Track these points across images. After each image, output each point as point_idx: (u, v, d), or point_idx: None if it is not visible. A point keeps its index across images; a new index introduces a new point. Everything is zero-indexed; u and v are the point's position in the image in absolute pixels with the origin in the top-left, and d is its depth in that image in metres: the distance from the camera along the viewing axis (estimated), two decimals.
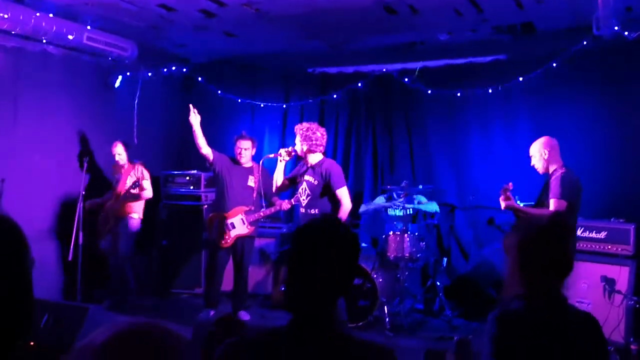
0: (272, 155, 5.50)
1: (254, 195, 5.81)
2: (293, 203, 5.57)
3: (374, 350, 1.64)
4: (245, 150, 5.93)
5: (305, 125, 5.26)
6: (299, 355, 1.57)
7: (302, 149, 5.17)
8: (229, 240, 5.76)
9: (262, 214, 5.79)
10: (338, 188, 5.06)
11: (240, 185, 5.87)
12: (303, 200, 5.15)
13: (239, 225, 5.75)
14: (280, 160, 5.35)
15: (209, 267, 6.03)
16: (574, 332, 1.96)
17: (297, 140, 5.22)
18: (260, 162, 5.77)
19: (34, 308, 1.23)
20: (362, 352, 1.62)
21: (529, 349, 1.92)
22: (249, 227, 5.76)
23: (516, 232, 2.16)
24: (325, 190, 5.10)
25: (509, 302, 2.04)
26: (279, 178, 5.36)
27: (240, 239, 5.78)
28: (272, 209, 5.75)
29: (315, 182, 5.13)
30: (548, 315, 1.97)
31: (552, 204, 4.60)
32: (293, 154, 5.30)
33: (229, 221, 5.75)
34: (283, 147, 7.83)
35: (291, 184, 5.46)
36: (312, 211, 5.10)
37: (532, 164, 5.00)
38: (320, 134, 5.17)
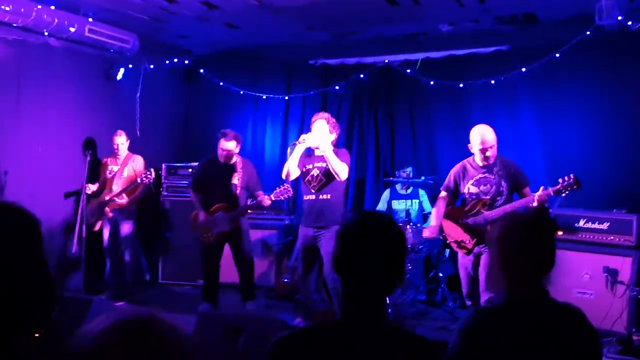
0: (297, 142, 5.21)
1: (238, 191, 5.76)
2: (273, 199, 5.57)
3: (425, 346, 1.64)
4: (227, 151, 5.73)
5: (328, 115, 5.26)
6: (350, 349, 1.58)
7: (330, 138, 5.12)
8: (211, 238, 5.75)
9: (241, 209, 5.74)
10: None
11: (223, 183, 5.78)
12: (314, 186, 5.13)
13: (219, 221, 5.73)
14: (300, 144, 5.15)
15: (203, 264, 6.05)
16: (557, 328, 1.85)
17: (325, 127, 5.12)
18: (289, 148, 5.37)
19: (54, 293, 1.24)
20: (412, 346, 1.63)
21: (506, 347, 1.81)
22: (230, 223, 5.71)
23: (497, 224, 2.04)
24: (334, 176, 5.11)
25: (494, 297, 2.00)
26: (293, 164, 5.18)
27: (232, 234, 5.75)
28: (253, 203, 5.77)
29: (328, 167, 5.12)
30: (528, 312, 1.87)
31: (530, 192, 4.71)
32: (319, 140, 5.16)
33: (210, 218, 5.75)
34: (285, 138, 7.87)
35: (302, 174, 5.37)
36: (324, 196, 5.09)
37: (491, 154, 4.76)
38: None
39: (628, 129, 6.08)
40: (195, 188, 5.92)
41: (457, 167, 5.01)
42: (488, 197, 4.77)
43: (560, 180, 4.48)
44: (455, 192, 5.03)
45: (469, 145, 4.87)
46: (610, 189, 5.91)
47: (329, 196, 5.09)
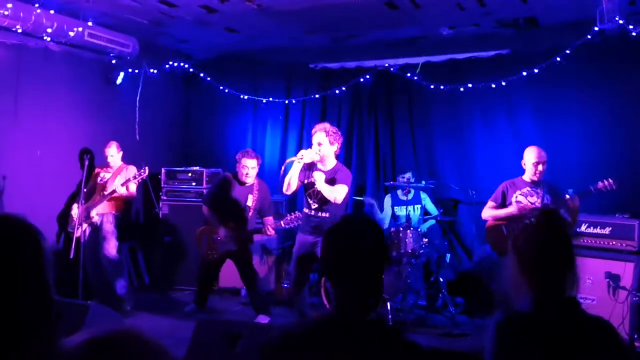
0: (294, 159, 5.15)
1: (250, 213, 5.78)
2: (283, 225, 5.56)
3: (414, 348, 1.68)
4: (252, 169, 5.76)
5: (328, 125, 5.11)
6: (342, 347, 1.62)
7: (331, 151, 5.04)
8: (215, 255, 5.77)
9: (250, 232, 5.76)
10: (340, 183, 4.95)
11: (238, 203, 5.78)
12: (314, 202, 5.06)
13: (227, 241, 5.72)
14: (298, 162, 5.08)
15: (200, 276, 6.04)
16: (587, 340, 1.84)
17: (326, 141, 5.02)
18: (284, 166, 5.33)
19: (52, 308, 1.18)
20: (403, 347, 1.66)
21: (534, 354, 1.82)
22: (236, 243, 5.70)
23: (515, 232, 2.09)
24: None
25: (515, 303, 1.97)
26: (293, 179, 5.10)
27: (236, 252, 5.75)
28: (257, 228, 5.79)
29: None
30: (555, 321, 1.86)
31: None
32: (317, 155, 5.09)
33: (218, 236, 5.73)
34: (285, 142, 7.86)
35: (304, 187, 5.27)
36: (322, 214, 5.03)
37: (543, 170, 5.23)
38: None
39: (630, 133, 6.06)
40: (210, 204, 5.87)
41: (504, 183, 5.41)
42: (534, 206, 5.14)
43: (599, 182, 5.06)
44: (500, 205, 5.34)
45: (522, 162, 5.30)
46: (612, 193, 5.86)
47: (327, 214, 5.01)
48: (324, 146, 5.03)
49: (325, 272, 1.79)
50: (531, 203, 5.14)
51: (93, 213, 5.94)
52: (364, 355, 1.62)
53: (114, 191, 5.90)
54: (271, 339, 1.69)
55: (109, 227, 5.97)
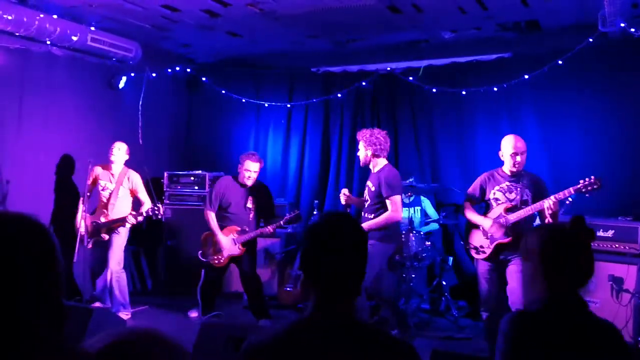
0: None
1: (252, 216, 5.78)
2: (282, 224, 5.64)
3: (395, 344, 1.67)
4: (254, 172, 5.73)
5: (366, 131, 5.12)
6: (326, 347, 1.59)
7: (367, 154, 5.05)
8: (221, 260, 5.75)
9: (252, 235, 5.74)
10: (388, 196, 4.89)
11: (239, 206, 5.78)
12: (367, 213, 5.06)
13: (230, 245, 5.71)
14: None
15: (204, 283, 5.98)
16: (594, 340, 1.90)
17: (361, 146, 5.10)
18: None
19: (57, 311, 1.18)
20: (384, 344, 1.65)
21: (546, 352, 1.86)
22: (240, 247, 5.69)
23: (536, 235, 2.08)
24: (381, 198, 4.95)
25: (528, 306, 2.02)
26: None
27: (240, 256, 5.74)
28: (260, 231, 5.75)
29: (373, 189, 5.01)
30: (568, 320, 1.91)
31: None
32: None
33: (221, 242, 5.73)
34: (287, 146, 7.87)
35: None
36: (368, 216, 5.01)
37: (520, 161, 4.75)
38: (382, 137, 5.04)
39: (632, 136, 6.05)
40: (211, 207, 5.82)
41: (483, 175, 4.99)
42: (512, 204, 4.77)
43: (581, 180, 4.47)
44: (479, 200, 4.98)
45: (499, 152, 4.87)
46: (615, 196, 5.87)
47: (372, 217, 4.97)
48: (359, 151, 5.13)
49: (304, 271, 1.74)
50: (509, 200, 4.74)
51: (104, 233, 5.82)
52: (346, 356, 1.59)
53: (124, 218, 5.78)
54: (249, 345, 1.65)
55: (117, 240, 5.86)
